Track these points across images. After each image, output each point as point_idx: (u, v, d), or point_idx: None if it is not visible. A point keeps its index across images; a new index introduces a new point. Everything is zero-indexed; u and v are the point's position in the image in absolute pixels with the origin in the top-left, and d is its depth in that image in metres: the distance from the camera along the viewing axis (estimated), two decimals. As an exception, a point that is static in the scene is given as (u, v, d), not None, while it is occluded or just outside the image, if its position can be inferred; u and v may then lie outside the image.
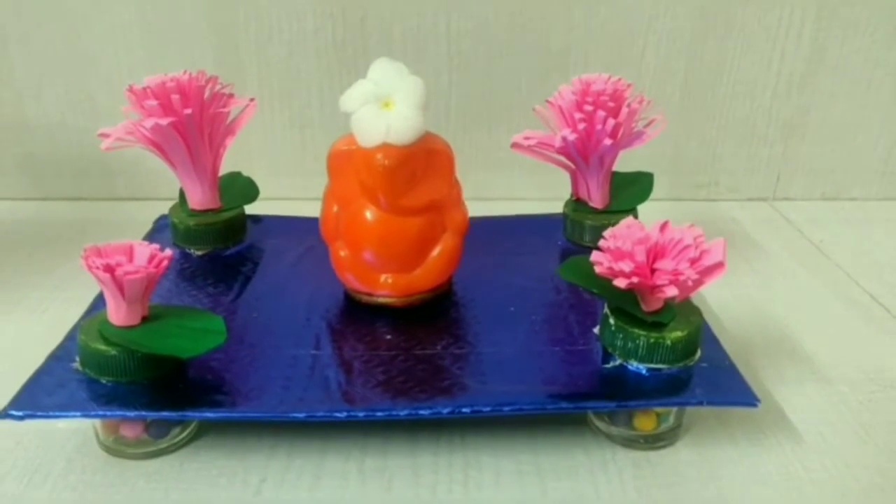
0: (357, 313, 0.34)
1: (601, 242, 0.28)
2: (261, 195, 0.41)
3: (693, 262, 0.27)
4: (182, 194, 0.39)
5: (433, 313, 0.34)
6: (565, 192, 0.42)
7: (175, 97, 0.34)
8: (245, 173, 0.42)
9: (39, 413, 0.26)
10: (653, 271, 0.28)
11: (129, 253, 0.28)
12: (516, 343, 0.31)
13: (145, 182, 0.53)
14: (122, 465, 0.29)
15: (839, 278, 0.44)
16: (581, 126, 0.35)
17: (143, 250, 0.28)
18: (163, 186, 0.48)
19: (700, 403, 0.27)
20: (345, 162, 0.32)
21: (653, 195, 0.41)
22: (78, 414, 0.26)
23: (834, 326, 0.39)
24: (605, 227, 0.37)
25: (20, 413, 0.26)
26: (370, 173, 0.31)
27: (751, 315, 0.40)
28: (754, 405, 0.27)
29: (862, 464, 0.30)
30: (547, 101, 0.38)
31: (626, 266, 0.27)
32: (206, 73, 0.36)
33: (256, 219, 0.42)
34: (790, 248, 0.49)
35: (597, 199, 0.38)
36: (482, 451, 0.30)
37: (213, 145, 0.37)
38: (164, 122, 0.34)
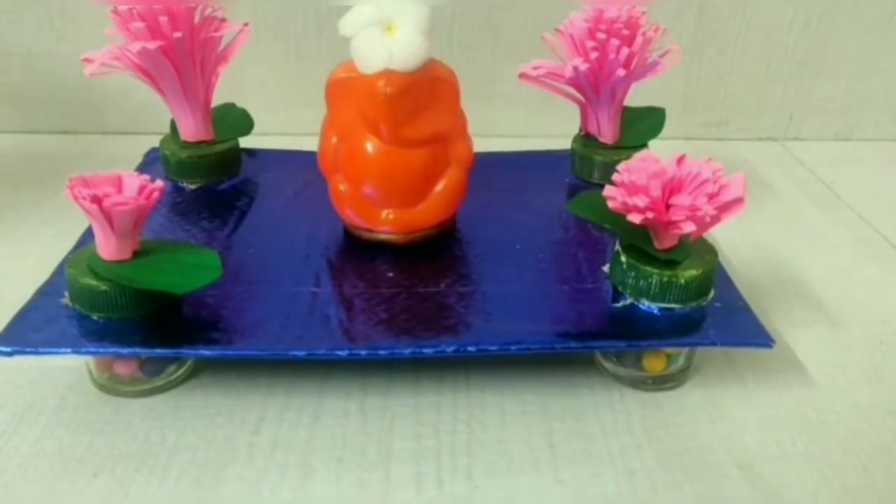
0: (357, 250, 0.32)
1: (614, 176, 0.27)
2: (256, 130, 0.40)
3: (711, 197, 0.26)
4: (173, 125, 0.37)
5: (436, 251, 0.32)
6: (571, 130, 0.41)
7: (163, 19, 0.32)
8: (239, 106, 0.40)
9: (28, 349, 0.25)
10: (668, 206, 0.26)
11: (118, 184, 0.27)
12: (523, 281, 0.30)
13: (134, 115, 0.51)
14: (117, 403, 0.28)
15: (851, 219, 0.43)
16: (593, 55, 0.33)
17: (133, 181, 0.27)
18: (153, 120, 0.46)
19: (713, 344, 0.26)
20: (344, 90, 0.31)
21: (661, 134, 0.40)
22: (69, 350, 0.25)
23: (845, 268, 0.38)
24: (615, 163, 0.36)
25: (8, 349, 0.25)
26: (371, 102, 0.30)
27: (761, 256, 0.39)
28: (769, 346, 0.26)
29: (873, 405, 0.29)
30: (556, 29, 0.36)
31: (640, 201, 0.26)
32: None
33: (252, 152, 0.40)
34: (801, 188, 0.47)
35: (607, 134, 0.37)
36: (487, 391, 0.29)
37: (204, 73, 0.35)
38: (152, 45, 0.32)
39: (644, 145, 0.37)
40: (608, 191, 0.27)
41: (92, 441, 0.26)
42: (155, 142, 0.40)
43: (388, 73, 0.29)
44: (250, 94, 0.50)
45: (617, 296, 0.29)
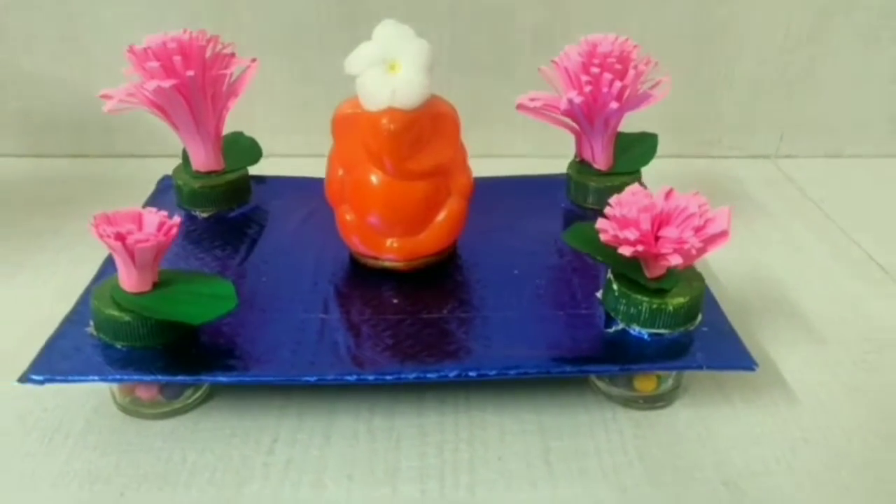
0: (363, 277, 0.34)
1: (607, 210, 0.29)
2: (263, 152, 0.41)
3: (697, 230, 0.27)
4: (185, 155, 0.39)
5: (438, 277, 0.34)
6: (567, 149, 0.42)
7: (177, 58, 0.33)
8: (246, 130, 0.42)
9: (58, 377, 0.27)
10: (657, 239, 0.28)
11: (139, 220, 0.28)
12: (521, 307, 0.32)
13: (145, 138, 0.52)
14: (139, 425, 0.30)
15: (838, 238, 0.45)
16: (587, 89, 0.35)
17: (152, 218, 0.28)
18: (162, 143, 0.48)
19: (700, 368, 0.28)
20: (350, 126, 0.32)
21: (656, 152, 0.41)
22: (96, 378, 0.27)
23: (831, 287, 0.40)
24: (608, 189, 0.38)
25: (40, 377, 0.27)
26: (375, 137, 0.31)
27: (750, 276, 0.40)
28: (752, 369, 0.28)
29: (855, 423, 0.31)
30: (552, 62, 0.38)
31: (630, 234, 0.27)
32: (206, 32, 0.36)
33: (260, 179, 0.42)
34: (791, 207, 0.49)
35: (601, 161, 0.39)
36: (487, 411, 0.31)
37: (216, 107, 0.36)
38: (167, 84, 0.33)
39: (637, 171, 0.39)
40: (600, 224, 0.29)
41: (118, 462, 0.28)
42: (165, 164, 0.42)
43: (391, 111, 0.31)
44: (257, 117, 0.51)
45: (609, 321, 0.30)
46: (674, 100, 0.54)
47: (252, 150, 0.41)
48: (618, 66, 0.34)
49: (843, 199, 0.50)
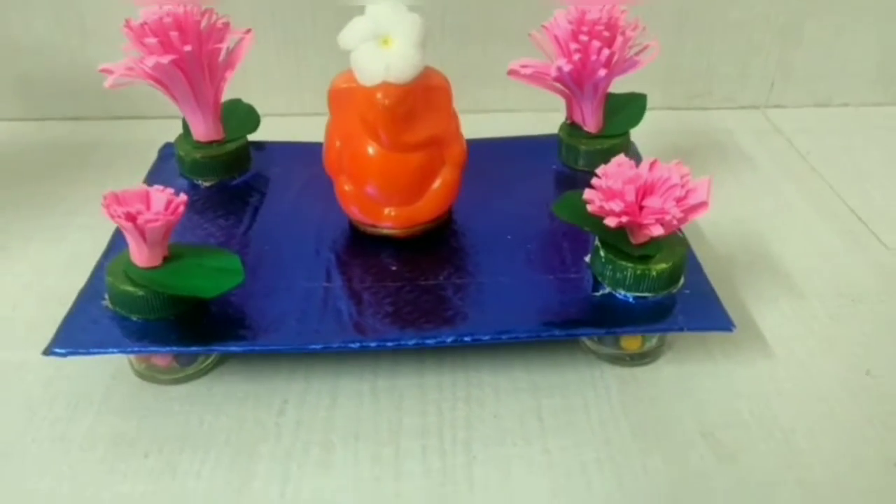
0: (362, 244, 0.36)
1: (594, 181, 0.30)
2: (258, 112, 0.42)
3: (679, 200, 0.29)
4: (186, 125, 0.40)
5: (435, 242, 0.36)
6: (559, 103, 0.43)
7: (174, 34, 0.34)
8: (240, 91, 0.43)
9: (80, 350, 0.29)
10: (641, 208, 0.29)
11: (146, 199, 0.30)
12: (513, 272, 0.33)
13: (142, 100, 0.53)
14: (156, 391, 0.32)
15: (823, 191, 0.46)
16: (576, 57, 0.35)
17: (160, 197, 0.30)
18: (159, 105, 0.48)
19: (681, 329, 0.30)
20: (345, 99, 0.33)
21: (647, 104, 0.42)
22: (116, 350, 0.29)
23: (813, 241, 0.41)
24: (598, 152, 0.39)
25: (63, 350, 0.29)
26: (370, 111, 0.32)
27: (736, 231, 0.42)
28: (730, 330, 0.30)
29: (825, 375, 0.33)
30: (543, 27, 0.38)
31: (616, 206, 0.29)
32: (200, 5, 0.36)
33: (260, 146, 0.43)
34: (778, 160, 0.50)
35: (591, 124, 0.40)
36: (483, 371, 0.33)
37: (213, 79, 0.37)
38: (166, 60, 0.34)
39: (626, 133, 0.40)
40: (588, 194, 0.30)
41: (139, 425, 0.30)
42: (163, 126, 0.42)
43: (385, 86, 0.32)
44: (251, 79, 0.52)
45: (597, 285, 0.32)
46: (665, 53, 0.54)
47: (250, 118, 0.42)
48: (606, 34, 0.35)
49: (830, 152, 0.51)
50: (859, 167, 0.49)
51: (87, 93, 0.53)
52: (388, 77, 0.31)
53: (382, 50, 0.32)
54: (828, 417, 0.31)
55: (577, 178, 0.40)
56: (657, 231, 0.28)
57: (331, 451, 0.29)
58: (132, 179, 0.40)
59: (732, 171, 0.49)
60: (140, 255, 0.30)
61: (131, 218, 0.29)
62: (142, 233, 0.29)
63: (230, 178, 0.40)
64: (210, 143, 0.39)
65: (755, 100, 0.57)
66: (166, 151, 0.43)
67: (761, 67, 0.56)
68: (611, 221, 0.29)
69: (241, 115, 0.42)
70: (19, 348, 0.34)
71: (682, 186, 0.29)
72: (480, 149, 0.39)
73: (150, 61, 0.34)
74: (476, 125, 0.38)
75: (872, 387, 0.32)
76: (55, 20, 0.50)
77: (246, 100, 0.43)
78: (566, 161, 0.41)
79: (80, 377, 0.32)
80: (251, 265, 0.33)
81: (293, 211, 0.38)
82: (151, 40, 0.34)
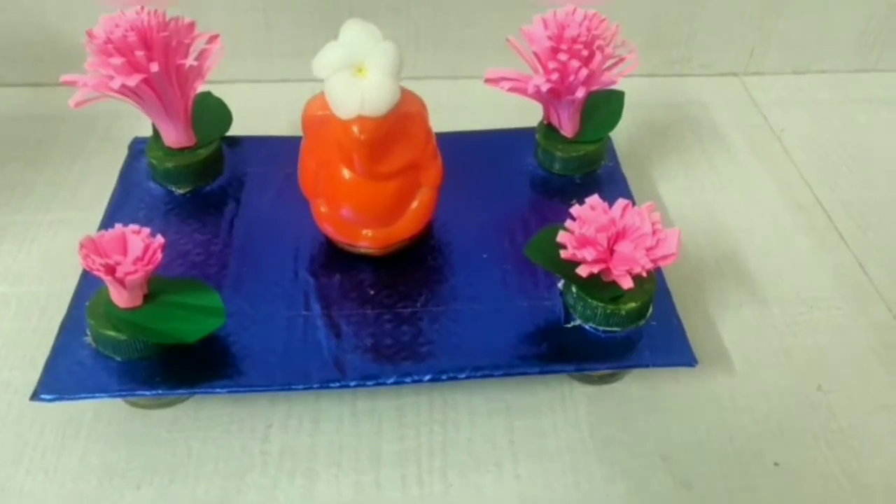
0: (339, 261, 0.36)
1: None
2: (225, 78, 0.40)
3: (649, 250, 0.29)
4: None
5: (412, 260, 0.36)
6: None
7: (140, 53, 0.33)
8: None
9: (67, 396, 0.30)
10: (612, 252, 0.30)
11: (123, 244, 0.30)
12: (488, 297, 0.34)
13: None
14: (143, 416, 0.33)
15: (793, 180, 0.47)
16: (554, 76, 0.35)
17: (136, 241, 0.30)
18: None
19: (647, 366, 0.32)
20: (320, 125, 0.33)
21: (621, 116, 0.41)
22: (104, 396, 0.30)
23: (779, 239, 0.42)
24: (573, 158, 0.39)
25: (50, 396, 0.30)
26: (346, 141, 0.32)
27: (705, 225, 0.43)
28: (692, 366, 0.32)
29: (779, 391, 0.35)
30: (521, 30, 0.37)
31: (588, 254, 0.29)
32: (164, 13, 0.34)
33: (233, 142, 0.42)
34: (751, 139, 0.50)
35: (567, 129, 0.39)
36: (458, 391, 0.34)
37: (183, 91, 0.36)
38: (133, 81, 0.33)
39: (601, 139, 0.40)
40: (562, 237, 0.30)
41: (129, 455, 0.32)
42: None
43: (361, 120, 0.31)
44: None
45: (567, 316, 0.33)
46: (646, 18, 0.53)
47: (221, 116, 0.41)
48: (584, 53, 0.34)
49: (802, 128, 0.51)
50: (830, 149, 0.49)
51: (46, 58, 0.51)
52: (363, 111, 0.31)
53: (357, 80, 0.31)
54: (777, 436, 0.33)
55: (554, 183, 0.40)
56: (626, 284, 0.29)
57: (314, 480, 0.31)
58: (107, 167, 0.39)
59: (706, 151, 0.49)
60: (120, 298, 0.30)
61: (110, 270, 0.29)
62: (121, 282, 0.29)
63: (204, 184, 0.39)
64: (182, 149, 0.39)
65: (734, 67, 0.56)
66: (136, 148, 0.42)
67: (741, 35, 0.55)
68: (583, 271, 0.29)
69: (212, 114, 0.40)
70: (3, 368, 0.34)
71: (653, 235, 0.30)
72: (458, 143, 0.38)
73: (117, 83, 0.33)
74: (451, 96, 0.36)
75: (822, 403, 0.35)
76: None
77: (215, 66, 0.40)
78: (542, 164, 0.41)
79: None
80: (231, 291, 0.34)
81: (270, 221, 0.38)
82: (117, 61, 0.33)
